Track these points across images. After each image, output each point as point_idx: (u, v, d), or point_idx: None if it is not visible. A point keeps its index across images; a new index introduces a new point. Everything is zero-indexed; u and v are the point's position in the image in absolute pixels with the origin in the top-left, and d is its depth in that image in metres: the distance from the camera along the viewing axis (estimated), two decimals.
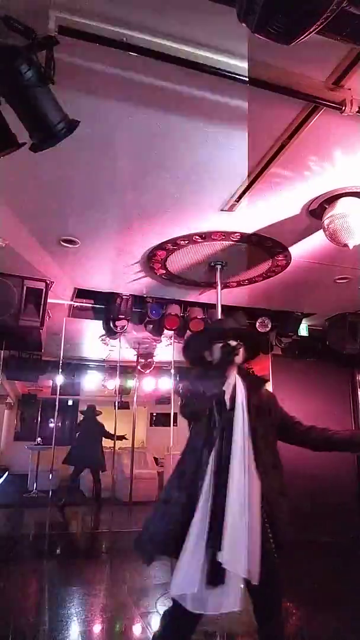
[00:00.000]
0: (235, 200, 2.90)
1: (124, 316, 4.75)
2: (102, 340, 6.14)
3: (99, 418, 8.09)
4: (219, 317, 4.10)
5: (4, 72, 1.67)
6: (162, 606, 3.47)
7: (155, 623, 3.24)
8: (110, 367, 8.26)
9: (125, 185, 2.76)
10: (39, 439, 9.21)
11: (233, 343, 2.22)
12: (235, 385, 2.23)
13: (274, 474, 2.13)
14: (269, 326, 5.17)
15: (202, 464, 2.06)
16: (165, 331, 5.12)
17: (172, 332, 5.21)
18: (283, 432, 2.27)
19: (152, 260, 3.83)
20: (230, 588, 1.89)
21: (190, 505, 1.99)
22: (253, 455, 2.07)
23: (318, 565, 4.36)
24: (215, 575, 1.90)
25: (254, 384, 2.31)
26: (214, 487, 2.01)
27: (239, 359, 2.24)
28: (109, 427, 7.78)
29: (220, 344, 2.23)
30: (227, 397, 2.20)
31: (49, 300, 4.37)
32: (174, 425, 7.01)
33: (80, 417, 8.56)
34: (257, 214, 3.11)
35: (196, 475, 2.05)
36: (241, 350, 2.24)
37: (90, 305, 4.98)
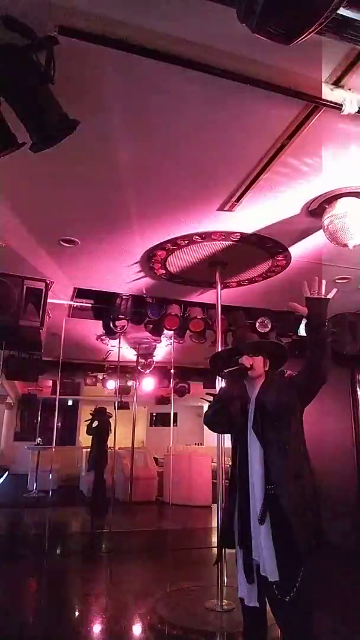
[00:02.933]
0: (235, 200, 2.90)
1: (124, 316, 4.75)
2: (102, 340, 6.14)
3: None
4: (219, 318, 4.12)
5: (3, 72, 1.67)
6: (162, 606, 3.47)
7: (155, 623, 3.24)
8: (110, 367, 8.26)
9: (125, 185, 2.76)
10: (39, 439, 9.21)
11: (243, 360, 2.29)
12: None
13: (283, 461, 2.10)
14: (269, 326, 5.16)
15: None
16: (165, 331, 5.12)
17: (172, 332, 5.21)
18: (301, 395, 2.21)
19: (152, 260, 3.83)
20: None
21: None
22: (262, 448, 2.12)
23: (318, 566, 4.34)
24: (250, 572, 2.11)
25: (265, 384, 2.32)
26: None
27: (254, 372, 2.30)
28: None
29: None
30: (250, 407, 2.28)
31: (49, 300, 4.37)
32: (174, 425, 7.00)
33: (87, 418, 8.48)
34: (257, 214, 3.11)
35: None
36: (258, 362, 2.31)
37: (90, 305, 4.98)
